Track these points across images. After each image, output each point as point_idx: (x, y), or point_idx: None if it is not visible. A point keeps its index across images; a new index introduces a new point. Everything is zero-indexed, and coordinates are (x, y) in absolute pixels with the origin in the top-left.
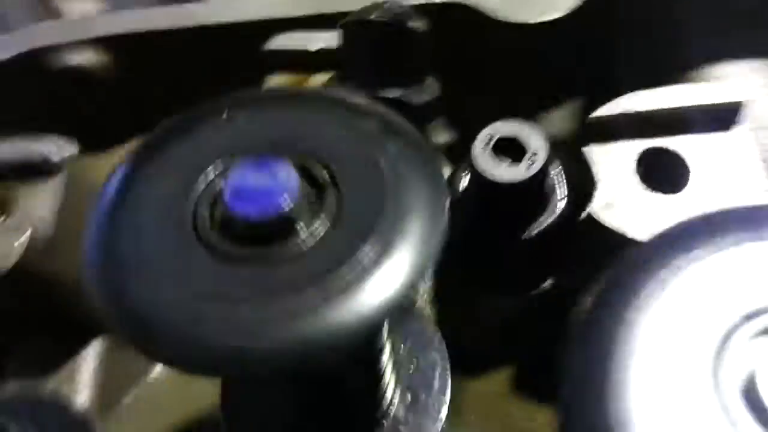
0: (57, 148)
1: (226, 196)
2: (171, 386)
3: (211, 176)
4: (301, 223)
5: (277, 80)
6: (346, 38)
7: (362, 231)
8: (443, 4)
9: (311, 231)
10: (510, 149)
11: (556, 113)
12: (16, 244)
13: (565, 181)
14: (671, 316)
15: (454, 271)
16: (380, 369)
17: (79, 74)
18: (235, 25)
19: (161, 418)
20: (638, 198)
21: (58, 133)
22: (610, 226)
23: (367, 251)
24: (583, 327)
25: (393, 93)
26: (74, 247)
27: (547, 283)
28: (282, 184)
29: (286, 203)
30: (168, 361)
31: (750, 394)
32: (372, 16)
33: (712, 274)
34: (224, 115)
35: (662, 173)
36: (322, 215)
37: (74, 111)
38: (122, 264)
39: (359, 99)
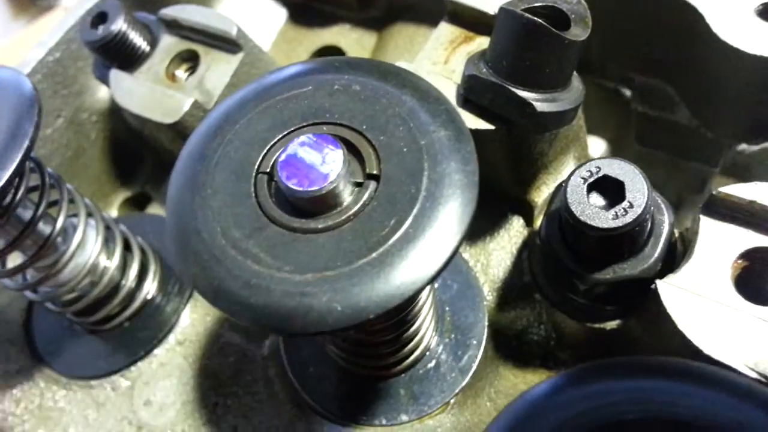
0: (238, 29)
1: (278, 170)
2: None
3: (274, 148)
4: (346, 197)
5: (445, 29)
6: (500, 20)
7: (404, 200)
8: None
9: (357, 203)
10: (609, 190)
11: None
12: (185, 107)
13: (670, 240)
14: None
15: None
16: (417, 316)
17: None
18: None
19: None
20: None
21: None
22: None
23: (409, 222)
24: None
25: (523, 93)
26: None
27: (612, 324)
28: (329, 161)
29: (331, 179)
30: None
31: None
32: (537, 4)
33: None
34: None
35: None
36: (368, 189)
37: None
38: (196, 230)
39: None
